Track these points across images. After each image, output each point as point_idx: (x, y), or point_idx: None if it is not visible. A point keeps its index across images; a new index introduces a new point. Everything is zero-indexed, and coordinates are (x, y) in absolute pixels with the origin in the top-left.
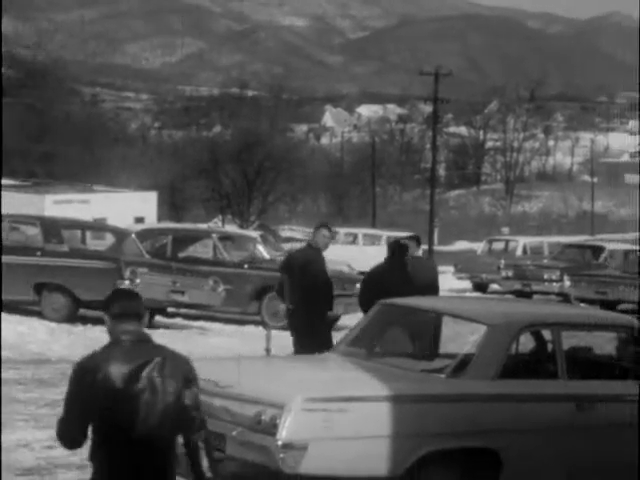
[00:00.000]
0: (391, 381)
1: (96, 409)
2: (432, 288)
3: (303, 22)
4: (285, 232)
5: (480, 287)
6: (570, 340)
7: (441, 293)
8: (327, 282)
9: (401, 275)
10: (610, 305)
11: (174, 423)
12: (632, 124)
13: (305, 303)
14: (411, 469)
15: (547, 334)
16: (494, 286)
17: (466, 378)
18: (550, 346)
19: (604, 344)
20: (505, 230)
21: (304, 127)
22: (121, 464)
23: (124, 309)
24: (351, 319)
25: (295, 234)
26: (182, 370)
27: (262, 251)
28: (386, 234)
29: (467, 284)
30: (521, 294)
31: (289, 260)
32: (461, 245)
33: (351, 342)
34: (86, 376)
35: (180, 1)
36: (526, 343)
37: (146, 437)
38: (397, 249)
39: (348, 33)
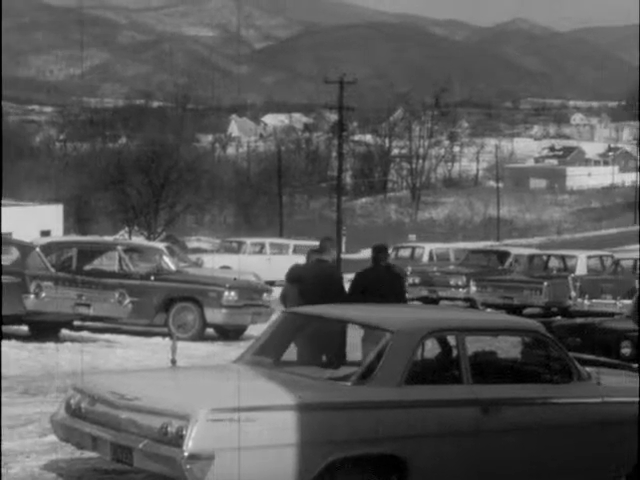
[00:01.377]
0: (297, 390)
1: None
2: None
3: (208, 32)
4: (192, 243)
5: None
6: (476, 345)
7: None
8: (341, 291)
9: (387, 278)
10: (516, 309)
11: None
12: (536, 129)
13: None
14: (319, 477)
15: (452, 339)
16: None
17: (372, 385)
18: (455, 351)
19: (510, 348)
20: (412, 237)
21: (210, 137)
22: None
23: None
24: (259, 329)
25: (203, 244)
26: None
27: (168, 262)
28: (293, 243)
29: None
30: (428, 300)
31: (298, 270)
32: (368, 253)
33: (257, 351)
34: None
35: (84, 13)
36: (432, 349)
37: None
38: (378, 253)
39: (253, 43)
